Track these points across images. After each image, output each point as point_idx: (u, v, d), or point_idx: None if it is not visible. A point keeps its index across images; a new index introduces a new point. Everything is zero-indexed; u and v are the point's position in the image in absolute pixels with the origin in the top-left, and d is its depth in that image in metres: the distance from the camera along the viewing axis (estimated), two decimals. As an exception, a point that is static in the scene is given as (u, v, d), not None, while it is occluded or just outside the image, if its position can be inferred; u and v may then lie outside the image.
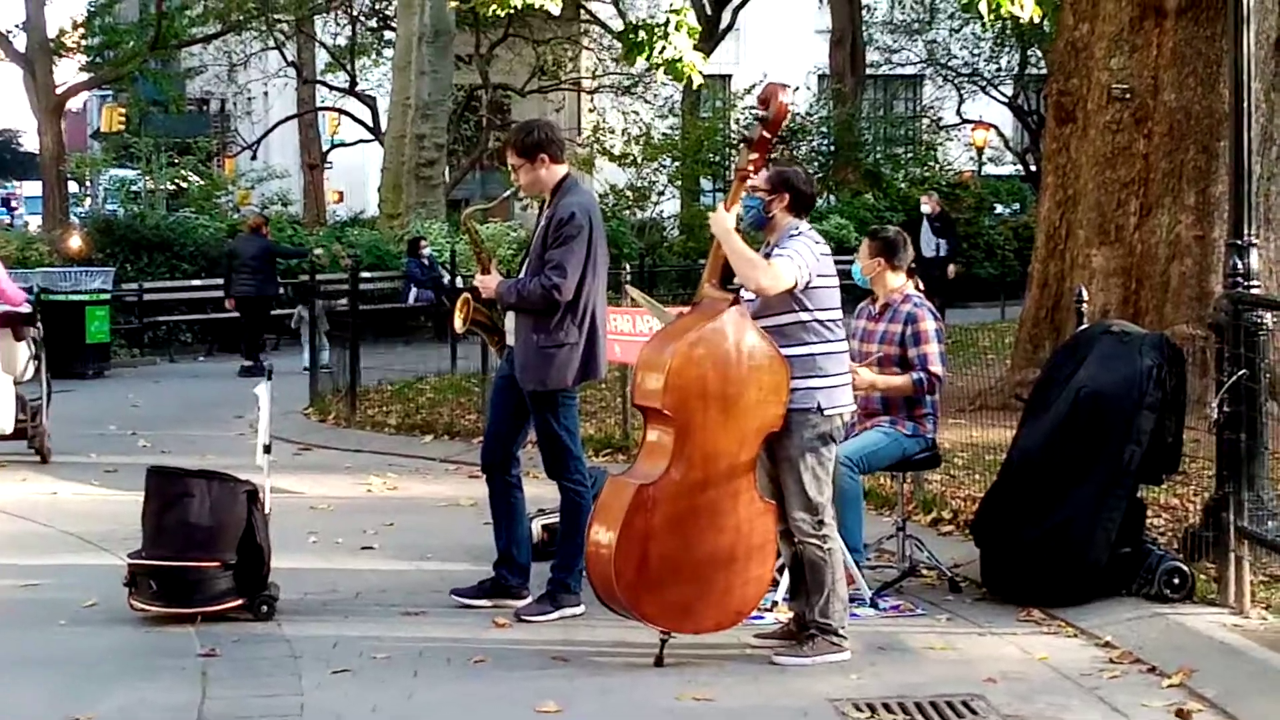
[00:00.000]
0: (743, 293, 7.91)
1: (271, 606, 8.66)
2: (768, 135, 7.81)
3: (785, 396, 7.66)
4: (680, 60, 20.16)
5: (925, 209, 27.23)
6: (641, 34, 20.01)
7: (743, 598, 7.80)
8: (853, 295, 9.04)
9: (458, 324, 9.25)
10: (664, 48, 19.93)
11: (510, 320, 8.85)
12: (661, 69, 20.50)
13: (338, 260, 27.25)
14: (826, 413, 7.77)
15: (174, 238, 28.00)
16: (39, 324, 15.05)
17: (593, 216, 8.66)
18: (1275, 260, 14.69)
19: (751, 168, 7.86)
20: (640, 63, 21.52)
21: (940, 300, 9.30)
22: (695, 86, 20.17)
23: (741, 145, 8.06)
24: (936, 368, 9.15)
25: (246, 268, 23.85)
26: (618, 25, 20.09)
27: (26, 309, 14.91)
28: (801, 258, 7.72)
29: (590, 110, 41.23)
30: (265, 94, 51.02)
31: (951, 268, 26.38)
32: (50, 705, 7.20)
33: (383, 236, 30.61)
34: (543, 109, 40.72)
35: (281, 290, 25.57)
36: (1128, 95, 14.79)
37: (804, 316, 7.77)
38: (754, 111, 8.00)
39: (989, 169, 44.28)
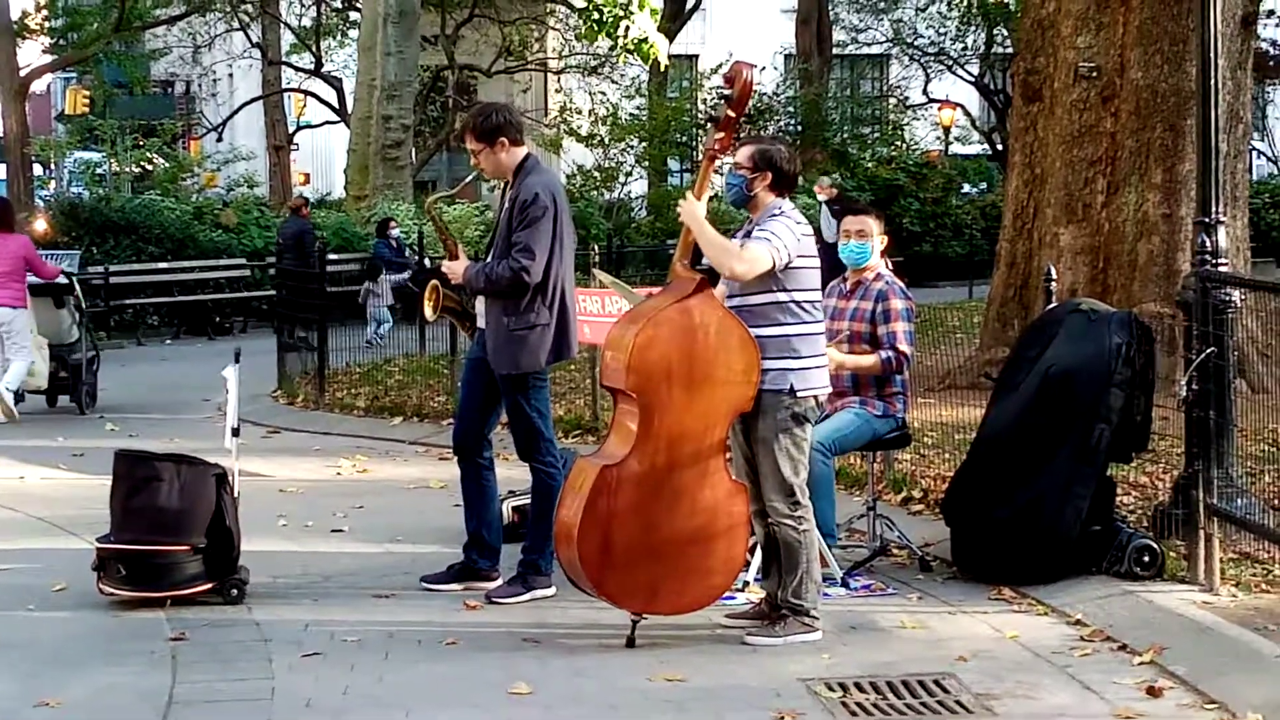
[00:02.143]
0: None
1: (241, 590, 8.64)
2: (733, 114, 7.80)
3: (756, 378, 7.64)
4: (646, 40, 20.13)
5: (821, 196, 26.70)
6: (606, 12, 19.98)
7: (713, 579, 7.79)
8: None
9: (428, 312, 9.23)
10: (628, 27, 19.90)
11: (480, 303, 8.81)
12: (626, 50, 20.49)
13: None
14: (800, 394, 7.74)
15: (140, 220, 27.91)
16: (77, 292, 17.36)
17: (556, 196, 8.63)
18: (1242, 238, 14.77)
19: (718, 147, 7.86)
20: (606, 43, 21.48)
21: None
22: (662, 67, 20.11)
23: (709, 125, 8.03)
24: (904, 346, 9.14)
25: (286, 248, 24.02)
26: (582, 4, 20.04)
27: (63, 280, 17.00)
28: (780, 239, 7.69)
29: (557, 91, 41.17)
30: (230, 76, 50.85)
31: None
32: (19, 690, 7.16)
33: (350, 218, 30.53)
34: (509, 90, 40.66)
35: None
36: (1094, 73, 14.82)
37: (781, 297, 7.74)
38: (720, 90, 7.97)
39: (956, 148, 44.34)
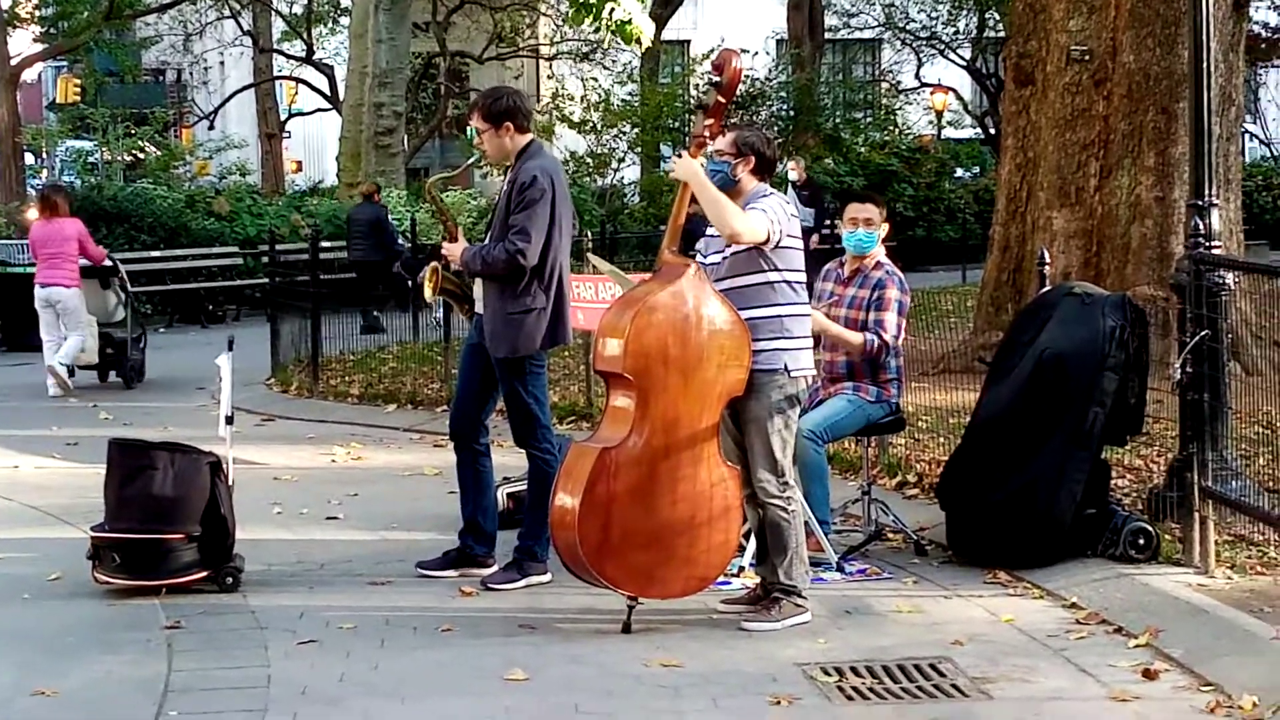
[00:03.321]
0: (709, 257, 7.91)
1: (236, 578, 8.64)
2: (723, 100, 7.86)
3: (747, 361, 7.69)
4: (630, 22, 20.07)
5: (792, 176, 25.52)
6: (589, -6, 19.96)
7: (708, 563, 7.82)
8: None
9: (427, 293, 9.23)
10: (613, 9, 19.86)
11: (479, 287, 8.81)
12: (610, 31, 20.47)
13: (298, 230, 27.15)
14: (793, 374, 7.81)
15: (132, 209, 27.84)
16: (122, 274, 18.49)
17: (555, 180, 8.62)
18: (1235, 221, 14.77)
19: (708, 133, 7.88)
20: (596, 28, 21.44)
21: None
22: (652, 50, 19.98)
23: (698, 111, 8.07)
24: (889, 336, 9.12)
25: (359, 233, 24.24)
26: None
27: (108, 263, 18.25)
28: (774, 214, 7.75)
29: (549, 77, 41.04)
30: (221, 63, 50.82)
31: (814, 238, 22.56)
32: (15, 679, 7.17)
33: (342, 206, 30.47)
34: (501, 76, 40.55)
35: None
36: (1086, 57, 14.81)
37: (773, 277, 7.79)
38: (709, 77, 8.00)
39: (948, 132, 44.30)
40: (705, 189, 7.73)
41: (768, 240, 7.72)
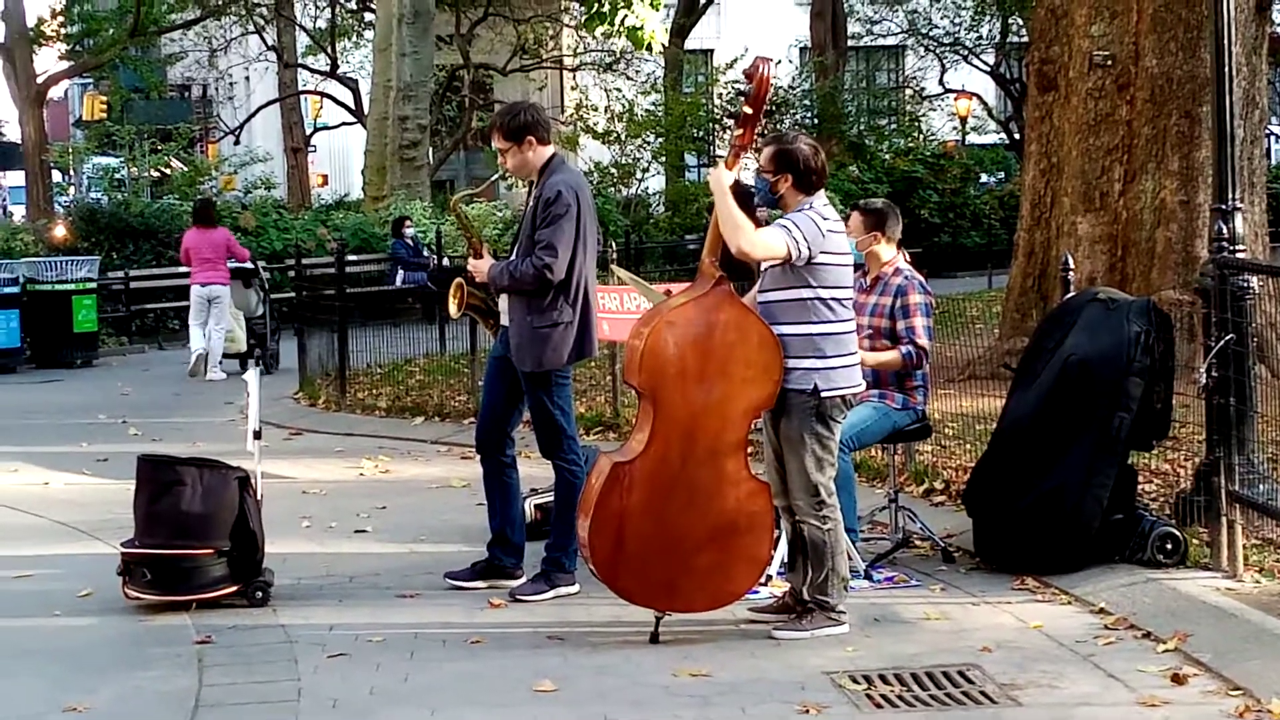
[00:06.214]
0: (761, 266, 7.87)
1: (266, 592, 8.67)
2: (750, 111, 7.77)
3: (777, 376, 7.61)
4: (641, 28, 20.16)
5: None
6: (605, 2, 20.09)
7: (734, 579, 7.80)
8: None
9: (452, 309, 9.26)
10: (625, 16, 19.97)
11: (504, 301, 8.84)
12: (623, 37, 20.57)
13: (324, 244, 27.21)
14: (823, 394, 7.69)
15: (159, 225, 27.93)
16: (262, 275, 21.68)
17: (579, 194, 8.64)
18: (1260, 224, 14.74)
19: (739, 144, 7.83)
20: (603, 31, 21.54)
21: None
22: (675, 59, 20.02)
23: (731, 121, 8.07)
24: (923, 341, 9.11)
25: None
26: (596, 2, 20.11)
27: (249, 265, 21.29)
28: (800, 230, 7.62)
29: (573, 88, 41.12)
30: (246, 78, 50.90)
31: None
32: (47, 695, 7.20)
33: (368, 219, 30.55)
34: (525, 88, 40.65)
35: None
36: (1109, 62, 14.79)
37: (806, 294, 7.68)
38: (737, 86, 8.00)
39: (973, 138, 44.27)
40: (724, 203, 7.65)
41: (790, 257, 7.65)
